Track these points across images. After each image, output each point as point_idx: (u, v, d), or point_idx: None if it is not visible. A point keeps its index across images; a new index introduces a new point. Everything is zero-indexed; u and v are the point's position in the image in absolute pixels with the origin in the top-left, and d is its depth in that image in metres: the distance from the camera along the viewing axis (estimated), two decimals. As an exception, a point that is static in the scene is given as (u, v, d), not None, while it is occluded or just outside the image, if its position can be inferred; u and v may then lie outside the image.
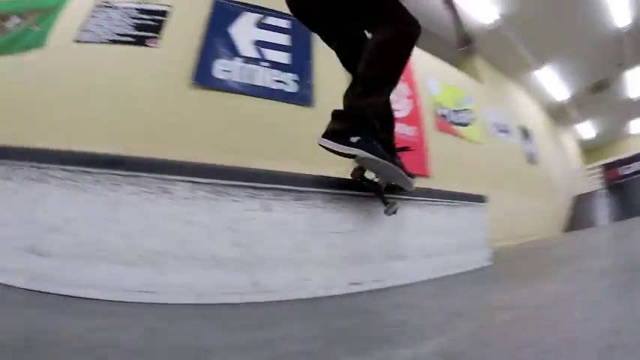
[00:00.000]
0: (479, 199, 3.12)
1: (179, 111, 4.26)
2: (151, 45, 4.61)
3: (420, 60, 7.12)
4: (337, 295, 1.87)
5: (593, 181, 14.40)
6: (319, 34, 2.10)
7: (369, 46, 1.76)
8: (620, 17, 9.51)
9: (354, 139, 1.61)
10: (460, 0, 7.44)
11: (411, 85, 6.50)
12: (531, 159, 10.77)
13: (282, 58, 5.01)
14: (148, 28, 4.70)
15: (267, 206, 1.81)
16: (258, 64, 4.80)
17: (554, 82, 12.40)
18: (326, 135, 1.63)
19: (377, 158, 1.69)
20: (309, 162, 3.09)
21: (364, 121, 1.66)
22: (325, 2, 1.84)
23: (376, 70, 1.73)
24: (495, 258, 3.11)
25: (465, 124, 7.44)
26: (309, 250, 1.89)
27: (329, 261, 1.95)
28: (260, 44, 4.94)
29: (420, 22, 1.84)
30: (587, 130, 18.19)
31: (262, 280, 1.73)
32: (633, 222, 7.85)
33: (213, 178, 1.72)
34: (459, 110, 7.49)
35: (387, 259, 2.22)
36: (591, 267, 2.37)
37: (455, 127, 7.13)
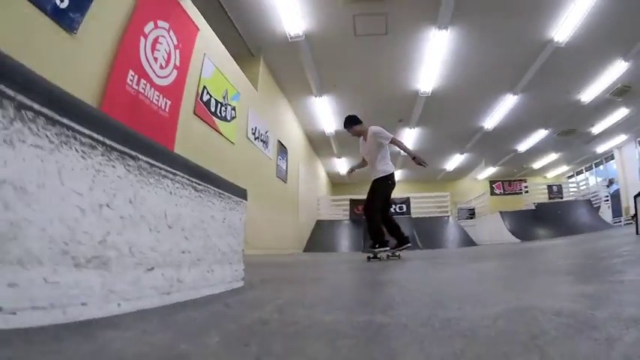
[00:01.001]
0: (239, 192, 2.27)
1: None
2: None
3: (206, 36, 6.78)
4: None
5: (337, 211, 16.35)
6: None
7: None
8: (422, 85, 11.32)
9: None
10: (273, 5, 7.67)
11: (186, 55, 6.01)
12: (281, 175, 11.46)
13: None
14: None
15: None
16: None
17: (327, 114, 13.53)
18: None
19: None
20: None
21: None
22: None
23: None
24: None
25: (224, 119, 7.30)
26: None
27: None
28: None
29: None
30: (343, 165, 20.43)
31: None
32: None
33: None
34: (224, 104, 7.34)
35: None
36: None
37: (214, 119, 6.90)
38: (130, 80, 4.71)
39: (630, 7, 8.02)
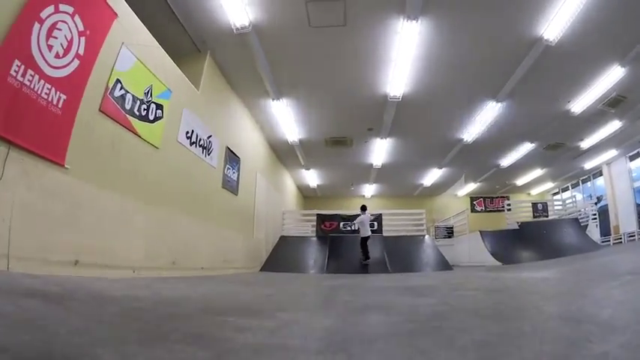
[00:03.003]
0: None
1: None
2: None
3: (127, 24, 6.14)
4: None
5: (306, 226, 15.76)
6: None
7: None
8: (391, 88, 10.68)
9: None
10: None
11: (95, 44, 5.37)
12: (230, 186, 10.79)
13: None
14: None
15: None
16: None
17: (288, 120, 12.95)
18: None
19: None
20: None
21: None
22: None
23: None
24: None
25: (144, 119, 6.59)
26: None
27: None
28: None
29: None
30: (313, 178, 19.96)
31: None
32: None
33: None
34: (145, 101, 6.63)
35: None
36: None
37: (129, 118, 6.18)
38: (15, 72, 4.13)
39: (629, 4, 7.59)
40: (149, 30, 6.95)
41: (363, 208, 12.77)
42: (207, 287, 5.65)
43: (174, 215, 7.60)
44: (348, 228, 14.09)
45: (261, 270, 12.15)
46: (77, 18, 5.01)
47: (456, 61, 9.49)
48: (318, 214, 15.24)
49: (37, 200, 4.34)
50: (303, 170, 18.94)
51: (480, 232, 14.48)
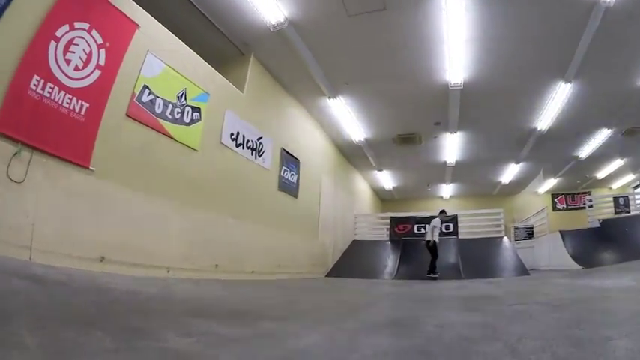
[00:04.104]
0: None
1: None
2: None
3: (151, 32, 6.61)
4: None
5: (380, 231, 15.69)
6: None
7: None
8: (450, 75, 10.18)
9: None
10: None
11: (116, 55, 5.87)
12: (288, 189, 10.99)
13: None
14: None
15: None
16: None
17: (349, 118, 12.96)
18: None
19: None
20: None
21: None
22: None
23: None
24: None
25: (179, 122, 6.98)
26: None
27: None
28: None
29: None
30: (387, 180, 19.73)
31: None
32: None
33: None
34: (179, 104, 7.02)
35: None
36: None
37: (160, 121, 6.58)
38: (34, 86, 4.74)
39: None
40: (191, 40, 7.54)
41: (442, 212, 12.30)
42: (230, 290, 5.86)
43: (218, 217, 7.93)
44: (423, 231, 13.73)
45: (327, 275, 12.21)
46: (95, 32, 5.56)
47: (513, 39, 8.76)
48: (391, 217, 15.05)
49: (61, 199, 4.89)
50: (376, 172, 18.74)
51: (560, 232, 13.41)
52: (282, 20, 8.18)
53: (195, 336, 2.45)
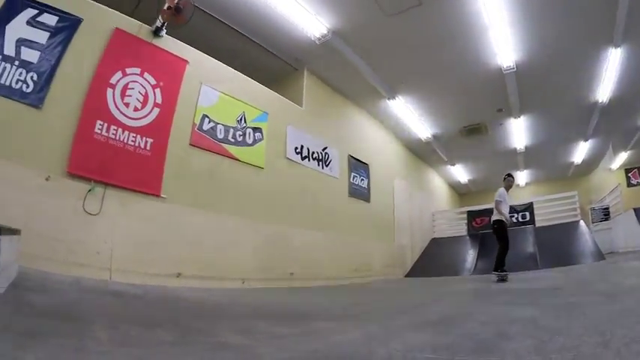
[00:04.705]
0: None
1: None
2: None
3: (201, 65, 7.09)
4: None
5: (458, 227, 15.42)
6: None
7: None
8: (501, 59, 9.80)
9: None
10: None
11: (171, 92, 6.40)
12: (359, 194, 11.11)
13: (33, 56, 5.02)
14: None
15: None
16: (11, 63, 4.83)
17: (412, 117, 12.86)
18: None
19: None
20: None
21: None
22: None
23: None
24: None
25: (241, 144, 7.41)
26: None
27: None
28: (20, 42, 4.96)
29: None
30: (461, 173, 19.25)
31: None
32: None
33: None
34: (240, 128, 7.45)
35: None
36: None
37: (223, 146, 7.03)
38: (99, 129, 5.34)
39: None
40: (245, 64, 8.18)
41: (507, 177, 8.86)
42: (299, 296, 6.17)
43: (289, 228, 8.22)
44: None
45: (405, 276, 12.13)
46: (147, 75, 6.10)
47: (553, 13, 8.17)
48: (468, 211, 14.67)
49: (136, 225, 5.48)
50: (449, 166, 18.25)
51: (635, 209, 12.18)
52: (325, 32, 8.38)
53: (247, 333, 2.73)
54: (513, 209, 12.83)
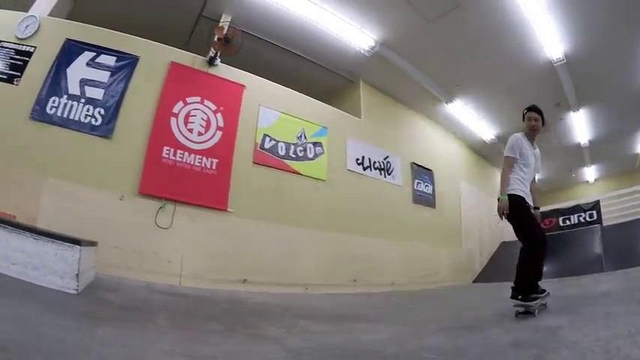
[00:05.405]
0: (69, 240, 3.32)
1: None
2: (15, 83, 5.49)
3: (258, 88, 7.53)
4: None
5: None
6: None
7: None
8: (549, 51, 9.42)
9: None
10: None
11: (231, 116, 6.87)
12: (424, 201, 11.04)
13: (97, 94, 5.77)
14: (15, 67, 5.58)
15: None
16: (77, 101, 5.64)
17: (471, 119, 12.68)
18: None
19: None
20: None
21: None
22: None
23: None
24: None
25: (303, 159, 7.76)
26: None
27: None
28: (83, 82, 5.74)
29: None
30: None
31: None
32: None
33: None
34: (300, 144, 7.82)
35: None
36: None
37: (285, 162, 7.43)
38: (166, 154, 5.94)
39: None
40: (303, 82, 8.69)
41: (527, 111, 4.90)
42: (353, 300, 6.38)
43: (352, 236, 8.33)
44: (568, 223, 12.52)
45: (473, 282, 11.78)
46: (207, 102, 6.62)
47: None
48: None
49: (204, 237, 6.03)
50: (514, 166, 17.56)
51: None
52: (373, 44, 8.59)
53: (285, 329, 3.13)
54: (581, 208, 12.25)
